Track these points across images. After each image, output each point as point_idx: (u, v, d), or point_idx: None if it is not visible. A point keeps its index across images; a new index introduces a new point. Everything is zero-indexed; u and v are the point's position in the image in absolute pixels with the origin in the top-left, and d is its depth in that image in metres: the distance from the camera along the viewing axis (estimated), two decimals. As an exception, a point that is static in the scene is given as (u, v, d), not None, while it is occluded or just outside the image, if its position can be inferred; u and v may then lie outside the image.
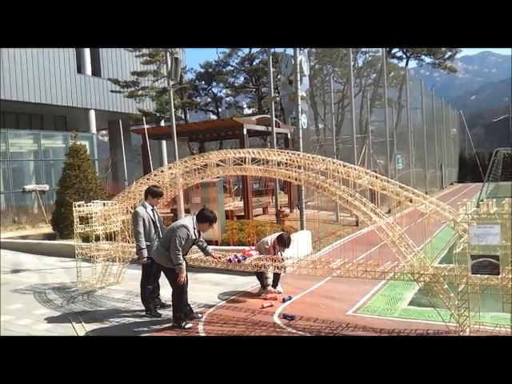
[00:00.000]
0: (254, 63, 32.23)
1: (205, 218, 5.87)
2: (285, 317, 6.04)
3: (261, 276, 7.09)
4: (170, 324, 5.98)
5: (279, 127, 15.62)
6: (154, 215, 6.70)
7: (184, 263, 5.75)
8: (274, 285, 7.16)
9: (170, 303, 6.08)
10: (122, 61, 28.63)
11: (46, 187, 20.14)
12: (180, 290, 5.84)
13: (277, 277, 7.13)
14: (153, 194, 6.77)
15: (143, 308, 6.58)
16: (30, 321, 6.45)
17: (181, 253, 5.68)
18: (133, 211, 6.86)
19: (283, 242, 6.85)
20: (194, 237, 5.84)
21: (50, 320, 6.46)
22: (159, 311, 6.55)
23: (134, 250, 7.62)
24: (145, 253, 6.43)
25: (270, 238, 6.98)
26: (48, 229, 14.06)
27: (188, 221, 5.87)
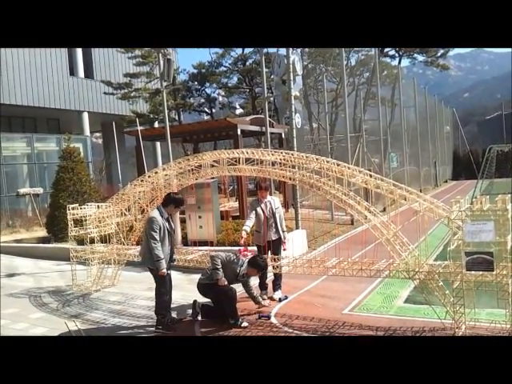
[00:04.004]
0: (247, 63, 32.22)
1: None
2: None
3: (262, 276, 7.03)
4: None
5: (273, 127, 15.62)
6: (169, 225, 6.07)
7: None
8: (274, 289, 7.05)
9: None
10: (114, 63, 28.53)
11: (40, 190, 20.04)
12: None
13: (276, 280, 7.04)
14: (176, 203, 6.15)
15: (139, 310, 6.56)
16: (26, 325, 6.42)
17: None
18: (148, 216, 6.11)
19: (256, 185, 7.16)
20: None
21: (46, 324, 6.43)
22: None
23: (129, 252, 7.62)
24: (163, 264, 5.81)
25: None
26: (42, 232, 14.01)
27: None
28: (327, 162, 5.67)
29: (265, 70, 12.92)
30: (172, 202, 6.07)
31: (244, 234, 6.65)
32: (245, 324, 5.81)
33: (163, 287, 5.98)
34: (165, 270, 5.83)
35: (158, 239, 5.82)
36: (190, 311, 6.38)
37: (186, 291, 7.38)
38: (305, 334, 5.38)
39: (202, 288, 6.17)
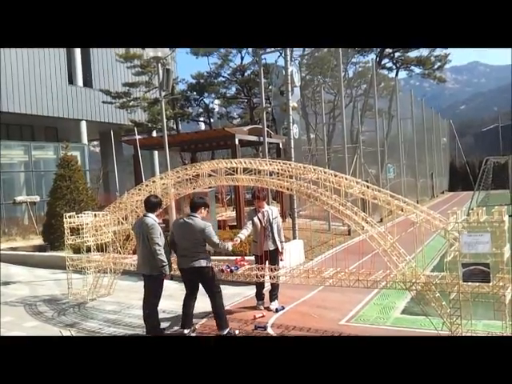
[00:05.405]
0: (246, 74, 32.43)
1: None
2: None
3: (259, 287, 7.02)
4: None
5: (271, 137, 15.66)
6: None
7: None
8: (271, 300, 7.02)
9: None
10: (113, 71, 28.62)
11: (37, 198, 19.99)
12: None
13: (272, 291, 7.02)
14: (160, 205, 6.45)
15: (134, 320, 6.51)
16: (21, 333, 6.37)
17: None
18: (147, 223, 5.95)
19: (253, 195, 6.98)
20: None
21: (41, 333, 6.37)
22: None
23: (126, 261, 7.59)
24: (167, 269, 5.87)
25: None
26: (39, 240, 13.95)
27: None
28: (324, 172, 5.69)
29: (263, 80, 12.98)
30: (158, 205, 6.28)
31: (238, 240, 6.59)
32: (237, 333, 5.77)
33: (157, 296, 5.99)
34: (169, 276, 5.90)
35: (162, 245, 5.87)
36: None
37: (179, 301, 7.34)
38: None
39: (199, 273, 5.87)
